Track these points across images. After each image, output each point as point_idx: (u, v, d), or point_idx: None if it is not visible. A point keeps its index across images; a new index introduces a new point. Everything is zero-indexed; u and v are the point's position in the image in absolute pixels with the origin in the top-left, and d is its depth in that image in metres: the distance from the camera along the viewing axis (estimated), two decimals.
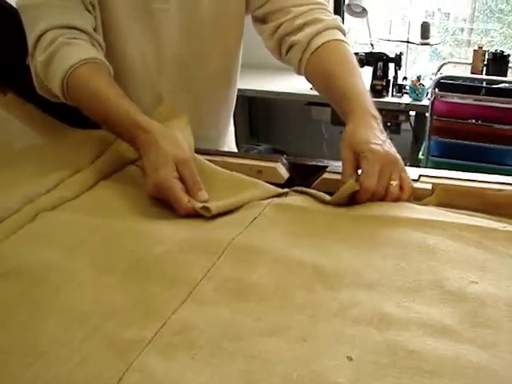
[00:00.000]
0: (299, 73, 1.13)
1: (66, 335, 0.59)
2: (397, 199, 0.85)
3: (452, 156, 2.88)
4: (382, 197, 0.85)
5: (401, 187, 0.86)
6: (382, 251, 0.72)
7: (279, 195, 0.89)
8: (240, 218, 0.81)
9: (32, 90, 1.10)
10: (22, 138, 1.09)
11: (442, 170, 0.96)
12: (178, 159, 0.89)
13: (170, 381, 0.53)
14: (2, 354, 0.57)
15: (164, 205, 0.88)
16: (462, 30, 3.85)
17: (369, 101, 0.96)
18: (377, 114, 0.94)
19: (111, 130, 1.01)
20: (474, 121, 2.80)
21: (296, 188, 0.91)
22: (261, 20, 1.16)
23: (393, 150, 0.88)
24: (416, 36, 3.29)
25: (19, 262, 0.72)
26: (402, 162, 0.89)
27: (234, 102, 1.34)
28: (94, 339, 0.58)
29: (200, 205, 0.84)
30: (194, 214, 0.84)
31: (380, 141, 0.88)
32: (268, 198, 0.88)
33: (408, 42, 3.34)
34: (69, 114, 1.12)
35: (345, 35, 1.11)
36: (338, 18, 1.13)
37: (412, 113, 3.25)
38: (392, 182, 0.85)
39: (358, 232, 0.77)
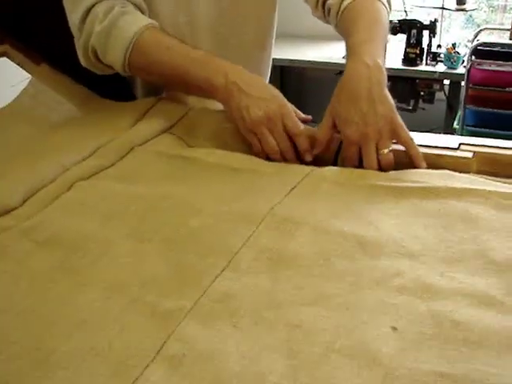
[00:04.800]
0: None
1: (106, 305, 0.59)
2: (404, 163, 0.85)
3: (488, 125, 2.83)
4: (379, 168, 0.85)
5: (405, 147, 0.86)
6: (424, 221, 0.71)
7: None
8: (278, 186, 0.80)
9: (65, 60, 1.10)
10: (56, 108, 1.09)
11: (482, 138, 0.94)
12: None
13: (212, 349, 0.52)
14: (43, 324, 0.57)
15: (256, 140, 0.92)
16: None
17: (370, 49, 0.93)
18: (377, 61, 0.91)
19: (192, 78, 0.99)
20: (511, 89, 2.74)
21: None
22: None
23: (377, 119, 0.86)
24: (451, 2, 3.21)
25: (57, 232, 0.72)
26: (394, 122, 0.87)
27: (269, 71, 1.32)
28: (133, 309, 0.58)
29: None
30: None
31: (359, 115, 0.86)
32: None
33: (443, 8, 3.25)
34: (101, 86, 1.12)
35: None
36: None
37: (446, 81, 3.19)
38: (382, 152, 0.85)
39: (399, 203, 0.75)
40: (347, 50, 0.98)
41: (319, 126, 0.92)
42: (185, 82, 1.00)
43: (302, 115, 0.97)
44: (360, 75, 0.89)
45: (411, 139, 0.87)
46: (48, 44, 1.18)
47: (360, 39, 0.96)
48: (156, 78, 1.08)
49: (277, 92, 0.96)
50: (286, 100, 0.94)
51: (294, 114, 0.93)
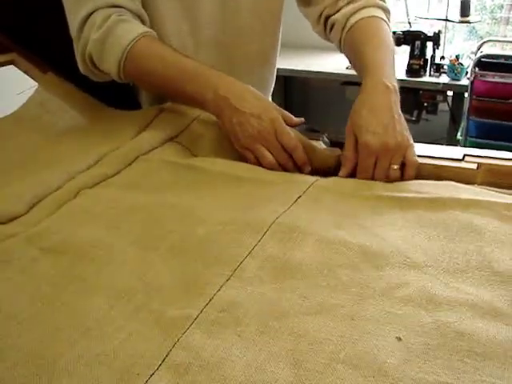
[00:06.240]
0: (342, 52, 1.11)
1: (111, 312, 0.59)
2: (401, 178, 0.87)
3: (491, 137, 2.83)
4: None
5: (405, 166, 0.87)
6: (428, 232, 0.71)
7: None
8: (283, 196, 0.80)
9: (72, 69, 1.10)
10: (62, 117, 1.10)
11: (486, 150, 0.94)
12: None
13: (217, 358, 0.52)
14: (48, 331, 0.57)
15: (249, 155, 0.92)
16: (501, 6, 3.75)
17: (386, 72, 0.95)
18: (393, 84, 0.92)
19: (182, 91, 0.98)
20: None
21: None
22: (304, 2, 1.15)
23: (396, 133, 0.87)
24: (454, 14, 3.22)
25: (63, 239, 0.72)
26: (408, 141, 0.88)
27: (273, 82, 1.32)
28: (138, 317, 0.58)
29: None
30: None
31: (381, 126, 0.87)
32: None
33: (447, 19, 3.26)
34: (106, 94, 1.13)
35: (388, 12, 1.10)
36: None
37: (449, 93, 3.20)
38: (392, 166, 0.86)
39: (404, 214, 0.76)
40: (361, 69, 0.98)
41: (345, 146, 0.90)
42: (177, 93, 1.00)
43: (294, 119, 0.95)
44: (380, 93, 0.91)
45: (416, 162, 0.87)
46: (49, 45, 1.19)
47: (375, 60, 0.97)
48: (150, 88, 1.08)
49: (268, 104, 0.95)
50: (277, 112, 0.93)
51: (287, 129, 0.91)
